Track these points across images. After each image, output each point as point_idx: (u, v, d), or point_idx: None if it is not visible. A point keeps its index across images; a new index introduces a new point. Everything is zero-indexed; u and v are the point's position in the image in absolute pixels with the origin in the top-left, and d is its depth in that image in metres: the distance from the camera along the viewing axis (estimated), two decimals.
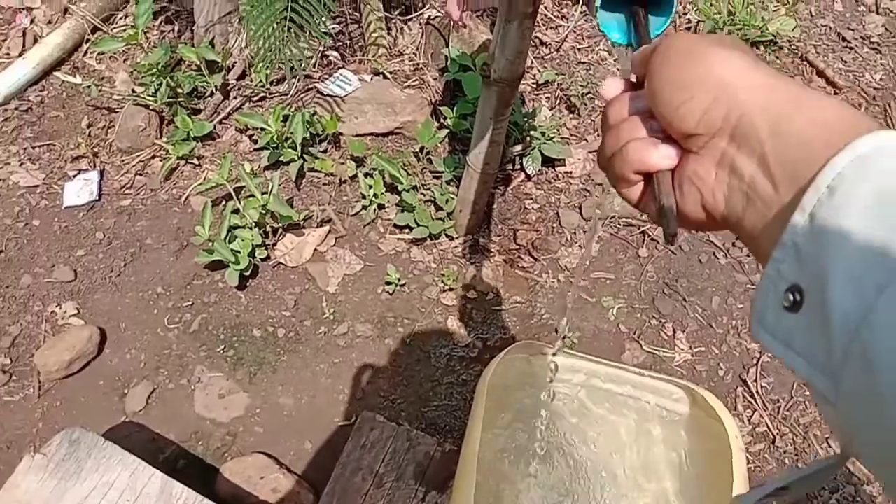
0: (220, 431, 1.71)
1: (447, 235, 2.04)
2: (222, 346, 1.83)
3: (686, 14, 2.56)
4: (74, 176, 2.13)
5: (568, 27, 2.55)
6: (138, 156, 2.18)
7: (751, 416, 1.76)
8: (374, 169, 2.08)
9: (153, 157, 2.19)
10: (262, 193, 1.90)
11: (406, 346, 1.86)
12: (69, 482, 1.37)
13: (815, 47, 2.64)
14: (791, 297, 0.33)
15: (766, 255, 0.36)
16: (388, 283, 1.93)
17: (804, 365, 0.33)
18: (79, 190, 2.09)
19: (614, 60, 2.42)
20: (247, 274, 1.91)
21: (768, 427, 1.74)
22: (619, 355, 1.85)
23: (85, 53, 2.44)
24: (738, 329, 1.91)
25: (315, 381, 1.79)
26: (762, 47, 2.48)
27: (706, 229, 0.44)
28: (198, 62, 2.24)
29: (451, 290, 1.95)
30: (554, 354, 1.51)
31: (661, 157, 0.43)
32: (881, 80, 2.55)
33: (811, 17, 2.76)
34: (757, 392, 1.79)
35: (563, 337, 1.87)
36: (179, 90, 2.24)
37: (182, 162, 2.17)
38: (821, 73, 2.55)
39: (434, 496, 1.54)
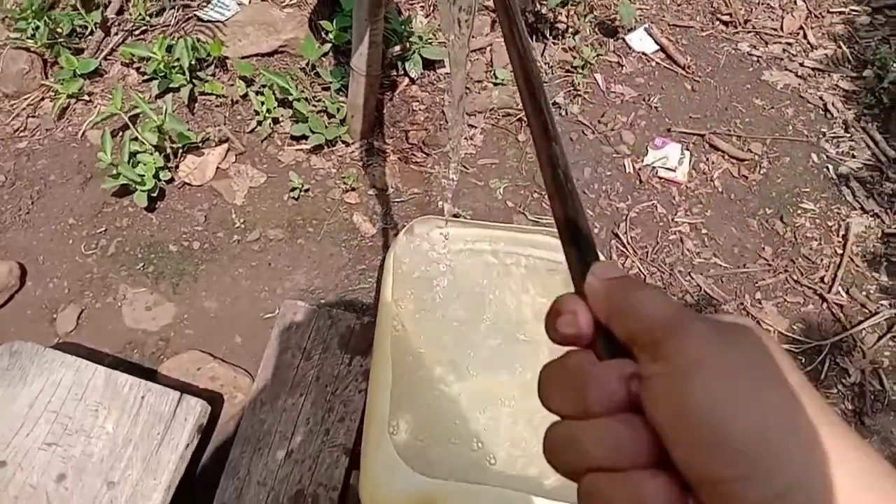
0: (152, 339, 1.83)
1: (343, 142, 2.19)
2: (142, 264, 1.94)
3: None
4: None
5: None
6: (27, 98, 2.20)
7: (624, 263, 2.03)
8: (264, 86, 2.18)
9: (42, 98, 2.21)
10: (158, 116, 1.98)
11: (317, 244, 2.02)
12: (16, 388, 1.48)
13: None
14: None
15: None
16: (293, 190, 2.07)
17: None
18: None
19: None
20: (154, 195, 2.01)
21: (639, 269, 2.02)
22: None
23: None
24: (607, 193, 2.17)
25: (235, 284, 1.93)
26: None
27: None
28: (73, 1, 2.25)
29: (353, 189, 2.12)
30: (445, 232, 1.72)
31: (662, 499, 0.30)
32: None
33: None
34: (628, 242, 2.06)
35: (455, 215, 2.07)
36: (59, 31, 2.25)
37: (73, 100, 2.20)
38: None
39: (359, 360, 1.74)
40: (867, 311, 1.98)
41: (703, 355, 0.31)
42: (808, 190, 2.23)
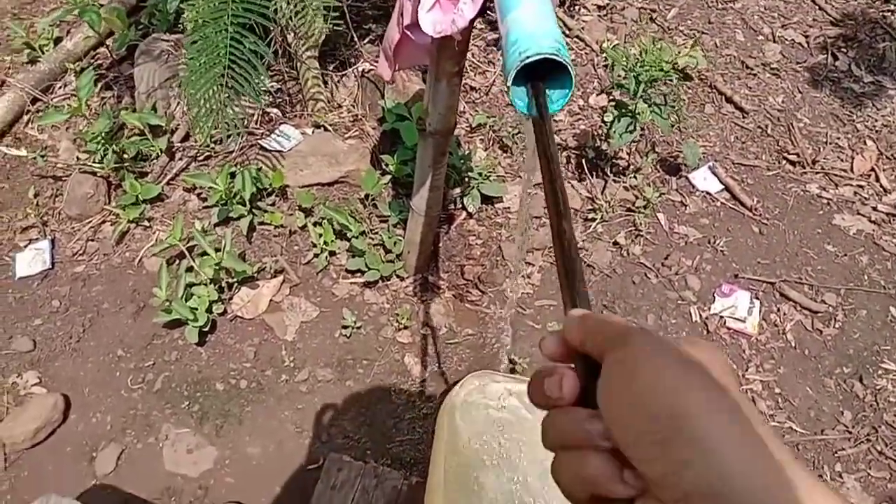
0: (191, 486, 1.75)
1: (398, 276, 2.15)
2: (187, 402, 1.88)
3: (599, 55, 2.76)
4: (25, 246, 2.16)
5: (495, 72, 2.71)
6: (89, 222, 2.22)
7: None
8: (323, 218, 2.17)
9: (103, 222, 2.23)
10: (216, 251, 1.97)
11: (366, 386, 1.94)
12: None
13: (721, 75, 2.87)
14: None
15: None
16: (345, 327, 2.02)
17: None
18: (30, 260, 2.12)
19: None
20: (205, 330, 1.97)
21: None
22: None
23: (26, 125, 2.48)
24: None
25: (281, 428, 1.86)
26: (674, 79, 2.69)
27: None
28: (141, 127, 2.30)
29: (405, 328, 2.05)
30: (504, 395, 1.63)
31: (626, 487, 0.36)
32: (782, 102, 2.79)
33: (716, 48, 3.00)
34: None
35: (512, 363, 1.98)
36: (125, 155, 2.30)
37: (133, 225, 2.22)
38: (729, 100, 2.78)
39: None
40: None
41: (640, 356, 0.37)
42: (888, 348, 2.08)
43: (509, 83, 0.86)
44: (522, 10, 0.90)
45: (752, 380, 1.99)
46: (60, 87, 2.61)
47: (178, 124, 2.42)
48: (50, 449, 1.80)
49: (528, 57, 0.82)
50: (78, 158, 2.34)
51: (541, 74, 0.84)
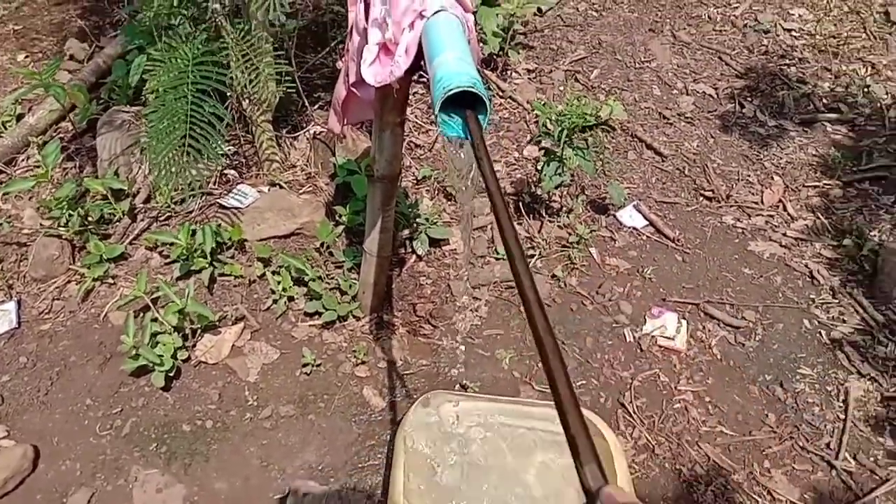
0: None
1: (354, 316, 2.29)
2: (155, 444, 1.96)
3: (530, 113, 3.03)
4: None
5: (436, 131, 2.95)
6: (54, 282, 2.32)
7: (631, 433, 2.06)
8: (281, 266, 2.32)
9: (68, 282, 2.34)
10: (180, 299, 2.09)
11: (328, 419, 2.05)
12: None
13: (641, 125, 3.17)
14: None
15: None
16: (305, 365, 2.14)
17: None
18: None
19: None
20: (171, 375, 2.07)
21: (647, 439, 2.04)
22: (515, 397, 2.12)
23: None
24: (610, 362, 2.23)
25: (246, 463, 1.95)
26: (599, 130, 2.97)
27: None
28: (104, 192, 2.44)
29: (363, 363, 2.18)
30: (456, 406, 1.77)
31: None
32: (697, 146, 3.09)
33: (635, 102, 3.31)
34: (634, 412, 2.10)
35: (464, 388, 2.13)
36: (89, 218, 2.43)
37: (97, 283, 2.33)
38: (649, 146, 3.06)
39: None
40: (878, 477, 1.97)
41: None
42: (804, 355, 2.30)
43: (436, 111, 1.06)
44: (446, 55, 1.11)
45: (684, 391, 2.16)
46: (23, 160, 2.74)
47: (140, 188, 2.56)
48: (20, 498, 1.85)
49: (451, 89, 1.02)
50: (42, 225, 2.46)
51: (466, 106, 1.05)
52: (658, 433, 2.06)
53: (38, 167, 2.58)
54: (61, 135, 2.84)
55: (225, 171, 2.65)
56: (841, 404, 2.16)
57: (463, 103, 1.06)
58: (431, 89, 1.10)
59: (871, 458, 2.03)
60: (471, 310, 2.37)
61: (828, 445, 2.06)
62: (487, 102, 1.08)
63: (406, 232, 2.48)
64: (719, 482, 1.96)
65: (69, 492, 1.86)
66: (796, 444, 2.06)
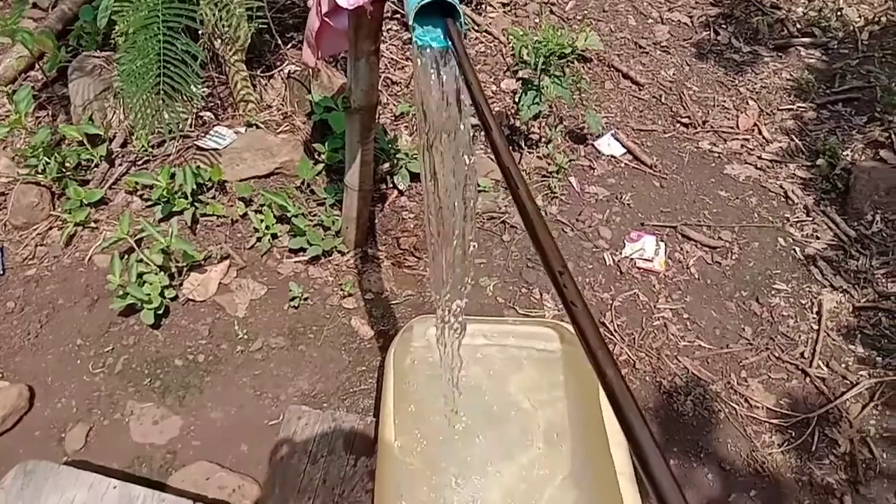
0: (160, 452, 1.86)
1: (339, 252, 2.31)
2: (148, 380, 2.00)
3: (507, 46, 3.02)
4: None
5: (412, 68, 2.93)
6: (36, 229, 2.32)
7: (613, 349, 2.12)
8: (263, 205, 2.33)
9: (50, 227, 2.33)
10: (164, 237, 2.10)
11: (318, 349, 2.09)
12: None
13: (617, 55, 3.17)
14: None
15: None
16: (293, 299, 2.17)
17: None
18: None
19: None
20: (160, 313, 2.09)
21: (628, 355, 2.11)
22: None
23: None
24: (591, 285, 2.29)
25: (240, 393, 1.99)
26: (575, 62, 2.97)
27: None
28: (80, 137, 2.42)
29: (350, 295, 2.22)
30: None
31: None
32: (673, 74, 3.10)
33: (611, 32, 3.30)
34: (615, 330, 2.16)
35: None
36: (66, 164, 2.41)
37: (80, 228, 2.33)
38: (626, 76, 3.07)
39: (364, 461, 1.78)
40: (848, 381, 2.06)
41: None
42: (779, 271, 2.36)
43: (411, 20, 1.08)
44: None
45: (664, 308, 2.23)
46: None
47: (116, 132, 2.54)
48: (18, 435, 1.88)
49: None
50: (18, 173, 2.44)
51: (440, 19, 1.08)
52: (638, 349, 2.13)
53: (8, 117, 2.54)
54: (31, 83, 2.79)
55: (201, 114, 2.63)
56: (815, 316, 2.24)
57: (436, 17, 1.09)
58: (405, 3, 1.11)
59: (843, 365, 2.11)
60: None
61: (802, 355, 2.14)
62: (460, 10, 1.10)
63: (387, 166, 2.49)
64: (698, 392, 2.03)
65: (67, 428, 1.90)
66: (772, 354, 2.13)
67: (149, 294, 2.05)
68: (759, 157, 2.74)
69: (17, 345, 2.05)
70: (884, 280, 2.32)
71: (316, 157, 2.50)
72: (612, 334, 2.15)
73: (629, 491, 1.48)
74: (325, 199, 2.39)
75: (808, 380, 2.07)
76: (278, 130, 2.60)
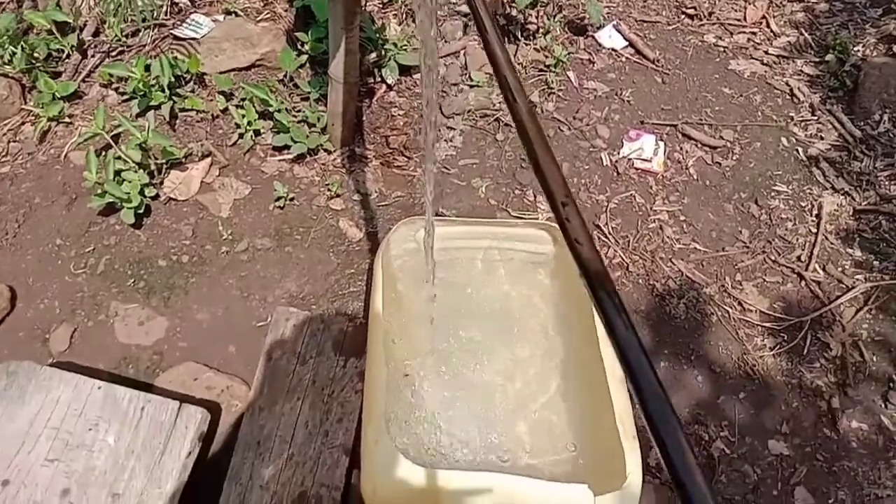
0: (146, 353, 1.85)
1: (325, 150, 2.22)
2: (132, 280, 1.95)
3: None
4: None
5: None
6: (7, 124, 2.21)
7: (607, 252, 2.08)
8: (244, 99, 2.21)
9: (23, 123, 2.22)
10: (141, 132, 2.00)
11: (305, 251, 2.04)
12: (15, 407, 1.49)
13: None
14: None
15: None
16: (278, 199, 2.10)
17: None
18: None
19: None
20: (140, 212, 2.03)
21: (622, 258, 2.07)
22: None
23: None
24: (587, 186, 2.22)
25: (226, 294, 1.95)
26: None
27: None
28: (48, 25, 2.26)
29: (337, 196, 2.15)
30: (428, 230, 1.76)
31: None
32: None
33: None
34: (609, 233, 2.11)
35: (439, 214, 2.11)
36: (35, 55, 2.27)
37: (53, 123, 2.22)
38: None
39: (354, 362, 1.76)
40: (844, 285, 2.04)
41: None
42: (780, 173, 2.29)
43: None
44: None
45: (660, 210, 2.17)
46: None
47: (87, 20, 2.38)
48: (2, 336, 1.85)
49: None
50: None
51: None
52: (632, 252, 2.09)
53: None
54: None
55: (176, 1, 2.46)
56: (814, 219, 2.19)
57: None
58: None
59: (839, 269, 2.08)
60: (445, 140, 2.31)
61: (798, 258, 2.10)
62: None
63: (374, 56, 2.35)
64: (691, 295, 2.01)
65: (51, 328, 1.87)
66: (768, 257, 2.10)
67: (128, 193, 1.97)
68: (766, 52, 2.61)
69: None
70: (886, 182, 2.25)
71: (299, 47, 2.36)
72: (606, 237, 2.10)
73: (619, 391, 1.47)
74: (309, 93, 2.27)
75: (803, 283, 2.05)
76: (259, 18, 2.45)
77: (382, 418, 1.44)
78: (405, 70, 2.40)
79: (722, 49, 2.61)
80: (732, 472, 1.72)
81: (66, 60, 2.33)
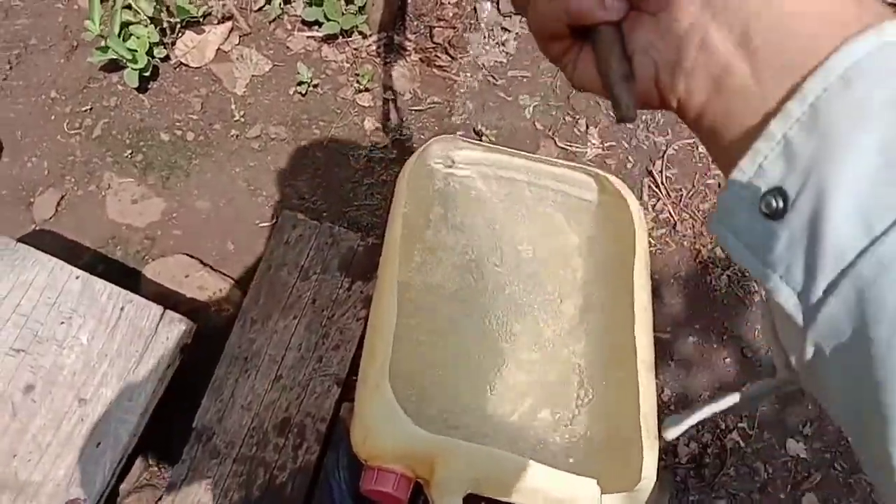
0: (137, 236, 1.69)
1: (360, 32, 1.96)
2: (129, 151, 1.76)
3: None
4: None
5: None
6: None
7: (655, 205, 1.87)
8: None
9: None
10: None
11: (323, 148, 1.84)
12: None
13: None
14: (773, 203, 0.27)
15: (728, 152, 0.30)
16: (300, 84, 1.87)
17: (777, 281, 0.27)
18: None
19: None
20: (147, 75, 1.80)
21: (670, 213, 1.87)
22: (534, 152, 1.89)
23: None
24: (647, 124, 1.97)
25: (231, 184, 1.77)
26: None
27: (650, 108, 0.35)
28: None
29: (366, 90, 1.91)
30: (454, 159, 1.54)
31: (607, 7, 0.33)
32: None
33: None
34: (662, 182, 1.90)
35: (479, 134, 1.89)
36: None
37: None
38: None
39: (360, 286, 1.61)
40: None
41: None
42: None
43: None
44: None
45: None
46: None
47: None
48: None
49: None
50: None
51: None
52: (683, 209, 1.88)
53: None
54: None
55: None
56: None
57: None
58: None
59: None
60: (497, 42, 2.04)
61: None
62: None
63: None
64: (737, 268, 1.82)
65: (37, 191, 1.70)
66: None
67: (134, 51, 1.74)
68: None
69: None
70: None
71: None
72: (657, 187, 1.89)
73: (648, 382, 1.32)
74: None
75: None
76: None
77: (387, 360, 1.29)
78: None
79: None
80: (743, 466, 1.61)
81: None
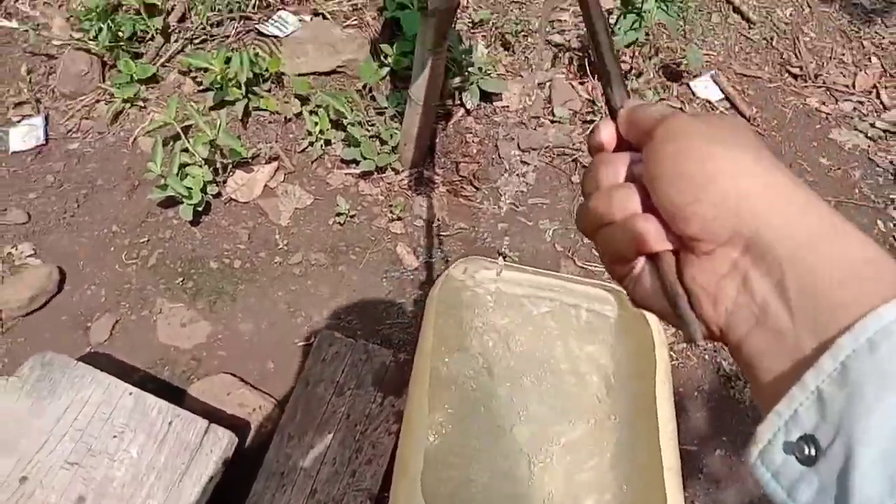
0: (184, 357, 1.80)
1: (393, 169, 2.15)
2: (181, 279, 1.91)
3: None
4: (18, 122, 2.14)
5: None
6: (82, 100, 2.19)
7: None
8: (319, 106, 2.15)
9: (97, 101, 2.21)
10: (211, 129, 1.96)
11: (359, 272, 1.97)
12: (45, 400, 1.45)
13: None
14: (806, 450, 0.30)
15: (765, 385, 0.33)
16: (339, 215, 2.03)
17: None
18: (24, 135, 2.10)
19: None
20: (200, 209, 1.98)
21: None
22: (556, 272, 2.00)
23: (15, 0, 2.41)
24: None
25: (273, 307, 1.89)
26: None
27: None
28: (137, 5, 2.25)
29: (398, 219, 2.07)
30: (498, 274, 1.66)
31: (652, 229, 0.38)
32: (791, 15, 2.74)
33: None
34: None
35: (503, 256, 2.01)
36: (120, 34, 2.25)
37: (127, 105, 2.19)
38: (737, 9, 2.72)
39: (392, 400, 1.68)
40: None
41: (680, 128, 0.38)
42: None
43: None
44: None
45: None
46: None
47: (175, 4, 2.36)
48: (45, 317, 1.83)
49: None
50: (71, 37, 2.29)
51: None
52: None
53: None
54: None
55: None
56: None
57: None
58: None
59: None
60: (517, 174, 2.21)
61: None
62: None
63: (457, 80, 2.27)
64: None
65: (94, 317, 1.84)
66: None
67: (190, 188, 1.93)
68: (872, 125, 2.42)
69: (53, 222, 1.98)
70: None
71: (382, 59, 2.29)
72: None
73: (674, 488, 1.34)
74: (385, 108, 2.20)
75: None
76: (346, 24, 2.38)
77: (418, 476, 1.34)
78: (486, 96, 2.31)
79: (824, 115, 2.44)
80: None
81: (149, 42, 2.31)
